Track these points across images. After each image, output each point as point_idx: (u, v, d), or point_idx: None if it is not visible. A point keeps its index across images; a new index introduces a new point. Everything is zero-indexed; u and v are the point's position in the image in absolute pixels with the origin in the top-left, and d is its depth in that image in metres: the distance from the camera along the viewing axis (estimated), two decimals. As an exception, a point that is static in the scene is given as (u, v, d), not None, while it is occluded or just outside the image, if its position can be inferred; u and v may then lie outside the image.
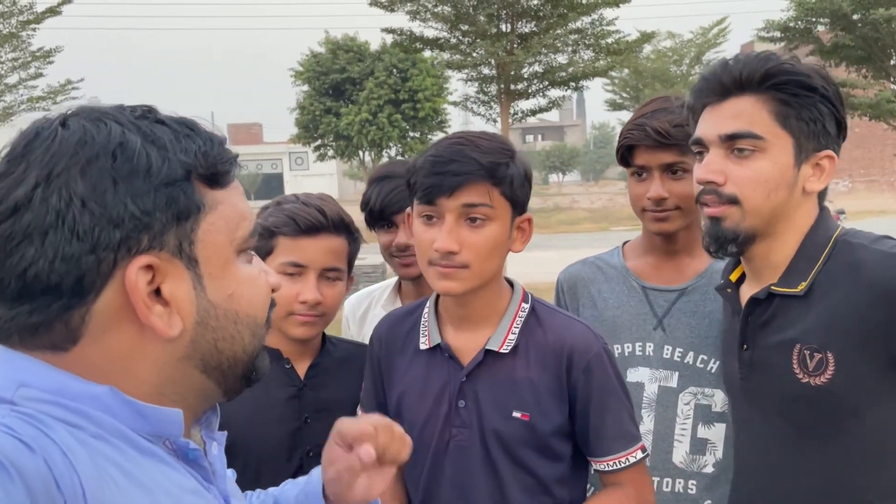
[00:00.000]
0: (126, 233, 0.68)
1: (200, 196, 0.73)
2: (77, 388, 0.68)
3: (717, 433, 1.71)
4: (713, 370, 1.70)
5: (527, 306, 1.47)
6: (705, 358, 1.70)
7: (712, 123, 1.38)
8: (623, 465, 1.43)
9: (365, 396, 1.60)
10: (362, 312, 2.14)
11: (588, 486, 1.57)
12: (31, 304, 0.67)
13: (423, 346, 1.48)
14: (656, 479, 1.71)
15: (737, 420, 1.53)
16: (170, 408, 0.73)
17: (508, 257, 1.49)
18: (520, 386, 1.41)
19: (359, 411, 1.60)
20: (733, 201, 1.35)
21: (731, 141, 1.35)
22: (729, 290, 1.50)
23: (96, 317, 0.69)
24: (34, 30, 14.18)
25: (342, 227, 1.63)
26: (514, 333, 1.43)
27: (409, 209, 1.46)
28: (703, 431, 1.71)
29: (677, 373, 1.72)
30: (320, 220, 1.58)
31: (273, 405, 1.58)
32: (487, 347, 1.42)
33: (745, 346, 1.42)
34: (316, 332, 1.62)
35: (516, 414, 1.40)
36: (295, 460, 1.57)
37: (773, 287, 1.37)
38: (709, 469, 1.71)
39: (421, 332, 1.50)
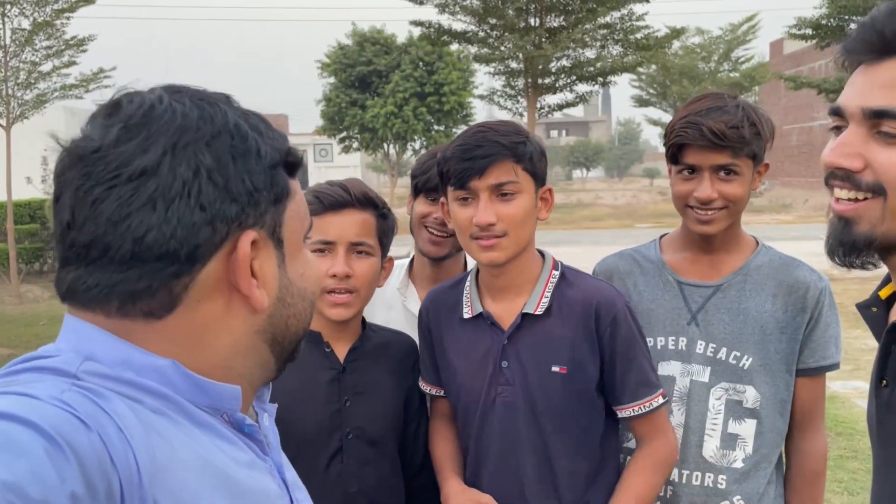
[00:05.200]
0: (241, 207, 0.71)
1: (286, 182, 0.78)
2: (141, 360, 0.70)
3: (747, 429, 1.73)
4: (746, 367, 1.71)
5: (557, 273, 1.63)
6: (738, 354, 1.72)
7: (859, 90, 1.03)
8: (647, 409, 1.59)
9: (422, 364, 1.78)
10: None
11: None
12: (140, 270, 0.68)
13: (466, 316, 1.64)
14: (686, 473, 1.74)
15: (873, 462, 1.22)
16: (229, 384, 0.75)
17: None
18: (556, 342, 1.57)
19: (420, 382, 1.78)
20: (875, 191, 0.99)
21: (878, 119, 0.99)
22: (874, 310, 1.14)
23: (198, 286, 0.71)
24: (68, 18, 14.36)
25: (367, 202, 1.65)
26: (547, 297, 1.59)
27: (442, 199, 1.60)
28: (733, 427, 1.73)
29: (709, 368, 1.73)
30: (343, 195, 1.62)
31: (313, 387, 1.63)
32: (524, 311, 1.58)
33: (884, 381, 1.10)
34: (351, 313, 1.64)
35: (555, 368, 1.57)
36: (334, 441, 1.62)
37: None
38: (738, 464, 1.73)
39: (464, 303, 1.66)
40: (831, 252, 1.06)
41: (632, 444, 1.73)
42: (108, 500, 0.59)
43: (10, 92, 13.76)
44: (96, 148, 0.68)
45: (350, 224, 1.63)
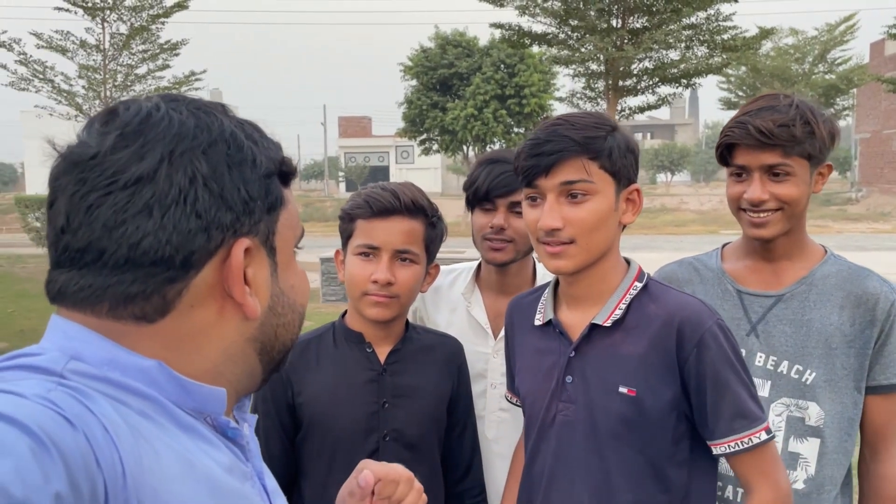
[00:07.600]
0: (236, 215, 0.72)
1: (280, 192, 0.79)
2: (126, 360, 0.70)
3: (809, 448, 1.63)
4: (809, 382, 1.61)
5: (639, 284, 1.45)
6: (800, 368, 1.62)
7: None
8: (745, 445, 1.36)
9: (507, 372, 1.70)
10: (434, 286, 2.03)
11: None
12: (134, 274, 0.68)
13: (537, 322, 1.54)
14: (741, 491, 1.65)
15: None
16: (215, 386, 0.75)
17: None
18: (626, 360, 1.40)
19: (506, 392, 1.72)
20: None
21: None
22: None
23: (191, 292, 0.71)
24: (163, 23, 15.06)
25: (416, 210, 1.62)
26: (621, 308, 1.42)
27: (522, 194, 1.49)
28: (794, 445, 1.63)
29: (769, 382, 1.64)
30: (392, 202, 1.59)
31: (352, 387, 1.62)
32: (593, 322, 1.43)
33: None
34: (390, 314, 1.62)
35: (623, 389, 1.39)
36: (371, 443, 1.60)
37: None
38: (799, 485, 1.63)
39: (538, 308, 1.55)
40: None
41: (728, 492, 1.66)
42: (92, 501, 0.58)
43: (108, 94, 14.50)
44: (93, 154, 0.69)
45: (397, 231, 1.60)
